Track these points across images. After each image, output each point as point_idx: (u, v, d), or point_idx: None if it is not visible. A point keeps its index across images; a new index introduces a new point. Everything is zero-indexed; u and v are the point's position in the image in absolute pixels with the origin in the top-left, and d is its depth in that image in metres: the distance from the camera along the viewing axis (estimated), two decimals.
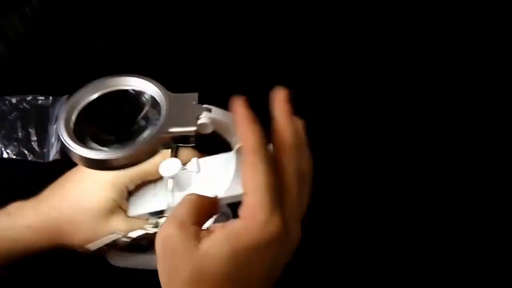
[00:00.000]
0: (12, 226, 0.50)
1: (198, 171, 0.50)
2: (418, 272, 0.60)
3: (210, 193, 0.39)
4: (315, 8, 0.80)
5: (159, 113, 0.44)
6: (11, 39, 0.77)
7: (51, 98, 0.71)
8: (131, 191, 0.52)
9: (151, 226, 0.51)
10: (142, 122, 0.45)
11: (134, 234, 0.51)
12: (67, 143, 0.42)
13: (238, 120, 0.37)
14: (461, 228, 0.62)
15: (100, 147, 0.43)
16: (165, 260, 0.34)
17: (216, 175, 0.51)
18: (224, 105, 0.42)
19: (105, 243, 0.50)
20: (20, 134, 0.69)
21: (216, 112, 0.43)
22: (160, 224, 0.51)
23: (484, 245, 0.61)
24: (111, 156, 0.40)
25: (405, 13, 0.79)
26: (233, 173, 0.47)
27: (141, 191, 0.52)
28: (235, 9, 0.80)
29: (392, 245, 0.61)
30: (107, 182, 0.50)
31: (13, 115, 0.70)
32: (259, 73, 0.74)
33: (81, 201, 0.49)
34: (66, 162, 0.65)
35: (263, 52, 0.76)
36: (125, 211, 0.51)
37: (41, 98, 0.71)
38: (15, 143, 0.68)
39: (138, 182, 0.52)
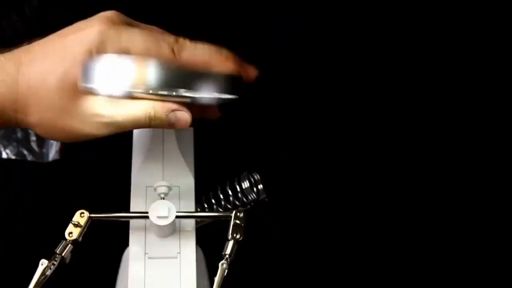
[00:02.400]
0: None
1: None
2: (418, 272, 0.60)
3: None
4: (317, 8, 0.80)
5: None
6: (10, 39, 0.77)
7: None
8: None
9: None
10: None
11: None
12: None
13: None
14: (461, 228, 0.62)
15: None
16: None
17: None
18: None
19: None
20: (19, 134, 0.69)
21: None
22: None
23: (484, 245, 0.61)
24: None
25: (406, 13, 0.79)
26: None
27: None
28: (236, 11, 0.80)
29: (392, 245, 0.61)
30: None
31: None
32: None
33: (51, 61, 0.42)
34: (65, 162, 0.65)
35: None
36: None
37: None
38: (14, 143, 0.68)
39: None
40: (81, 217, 0.42)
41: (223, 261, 0.40)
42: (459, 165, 0.66)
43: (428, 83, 0.72)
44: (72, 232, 0.42)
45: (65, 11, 0.80)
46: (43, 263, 0.41)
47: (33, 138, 0.68)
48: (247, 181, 0.49)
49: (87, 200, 0.58)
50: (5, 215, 0.59)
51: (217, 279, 0.39)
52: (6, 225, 0.60)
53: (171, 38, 0.43)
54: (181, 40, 0.43)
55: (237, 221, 0.40)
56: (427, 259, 0.60)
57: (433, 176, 0.65)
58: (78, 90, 0.40)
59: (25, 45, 0.44)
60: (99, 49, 0.40)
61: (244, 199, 0.48)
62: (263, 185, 0.49)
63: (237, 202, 0.48)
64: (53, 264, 0.41)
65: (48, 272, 0.41)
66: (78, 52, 0.40)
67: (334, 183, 0.65)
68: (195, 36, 0.76)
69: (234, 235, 0.40)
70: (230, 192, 0.49)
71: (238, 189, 0.49)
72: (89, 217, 0.42)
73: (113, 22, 0.43)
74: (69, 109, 0.40)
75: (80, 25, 0.43)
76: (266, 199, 0.49)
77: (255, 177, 0.49)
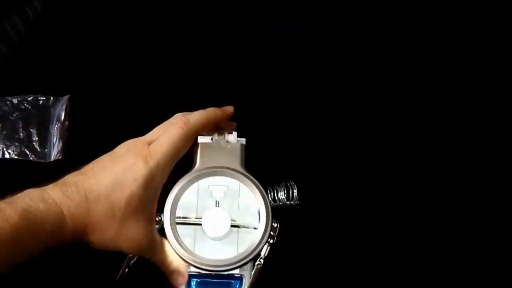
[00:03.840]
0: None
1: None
2: (418, 272, 0.60)
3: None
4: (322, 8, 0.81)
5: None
6: (12, 40, 0.77)
7: (52, 98, 0.71)
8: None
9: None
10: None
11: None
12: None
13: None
14: (462, 228, 0.62)
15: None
16: None
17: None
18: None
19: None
20: (21, 134, 0.69)
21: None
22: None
23: (484, 245, 0.61)
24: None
25: (405, 13, 0.79)
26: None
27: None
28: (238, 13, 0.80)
29: (394, 244, 0.61)
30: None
31: (14, 115, 0.70)
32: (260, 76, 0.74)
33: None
34: (67, 162, 0.65)
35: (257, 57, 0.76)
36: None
37: (42, 98, 0.71)
38: (16, 144, 0.68)
39: None
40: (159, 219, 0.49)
41: (258, 261, 0.48)
42: (459, 165, 0.66)
43: (428, 82, 0.72)
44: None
45: (66, 11, 0.80)
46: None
47: (35, 138, 0.68)
48: (284, 189, 0.60)
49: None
50: None
51: (252, 274, 0.48)
52: None
53: (179, 115, 0.50)
54: (186, 113, 0.50)
55: (271, 233, 0.48)
56: (430, 261, 0.60)
57: (435, 175, 0.65)
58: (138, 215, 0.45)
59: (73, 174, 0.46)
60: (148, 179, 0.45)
61: (280, 203, 0.60)
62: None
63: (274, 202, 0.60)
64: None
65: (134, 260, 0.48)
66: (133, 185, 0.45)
67: (335, 183, 0.65)
68: (195, 36, 0.77)
69: (270, 240, 0.48)
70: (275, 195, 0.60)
71: (280, 195, 0.60)
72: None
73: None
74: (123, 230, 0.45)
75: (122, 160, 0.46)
76: (298, 202, 0.60)
77: (291, 185, 0.60)
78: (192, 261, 0.47)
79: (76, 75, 0.73)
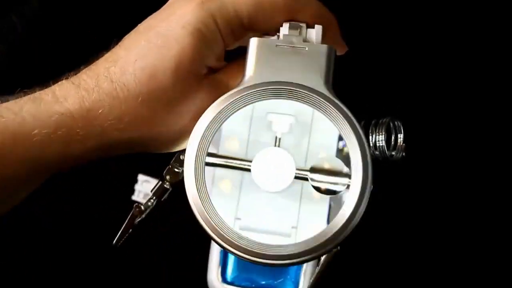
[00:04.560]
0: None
1: None
2: (418, 272, 0.60)
3: None
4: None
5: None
6: (10, 40, 0.77)
7: None
8: None
9: None
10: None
11: None
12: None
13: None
14: (462, 228, 0.62)
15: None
16: None
17: None
18: None
19: None
20: None
21: None
22: None
23: (484, 245, 0.61)
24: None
25: (406, 13, 0.79)
26: None
27: None
28: None
29: (396, 244, 0.61)
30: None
31: None
32: None
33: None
34: None
35: None
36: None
37: None
38: None
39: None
40: (182, 158, 0.34)
41: None
42: (460, 165, 0.66)
43: (428, 82, 0.72)
44: (171, 175, 0.35)
45: (65, 11, 0.79)
46: (138, 207, 0.36)
47: None
48: (383, 131, 0.38)
49: (88, 195, 0.59)
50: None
51: (322, 261, 0.32)
52: (6, 224, 0.60)
53: None
54: None
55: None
56: (427, 259, 0.60)
57: (438, 175, 0.65)
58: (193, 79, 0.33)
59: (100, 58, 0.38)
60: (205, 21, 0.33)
61: (377, 152, 0.38)
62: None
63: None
64: (147, 208, 0.36)
65: (139, 218, 0.36)
66: (182, 35, 0.33)
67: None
68: None
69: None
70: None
71: (378, 140, 0.38)
72: None
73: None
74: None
75: (166, 11, 0.36)
76: (404, 155, 0.38)
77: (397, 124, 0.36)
78: (225, 241, 0.29)
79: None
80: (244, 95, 0.31)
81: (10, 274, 0.61)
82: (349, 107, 0.32)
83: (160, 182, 0.36)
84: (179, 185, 0.35)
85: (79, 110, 0.33)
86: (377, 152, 0.39)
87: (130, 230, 0.36)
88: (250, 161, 0.31)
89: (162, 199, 0.36)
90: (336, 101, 0.32)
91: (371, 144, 0.39)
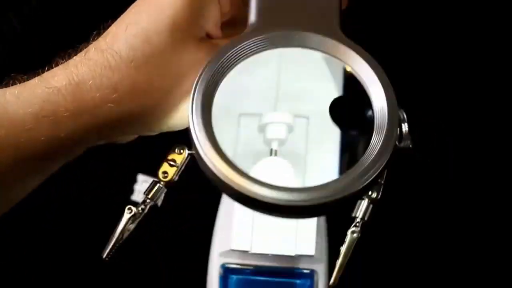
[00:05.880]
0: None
1: None
2: (418, 272, 0.59)
3: None
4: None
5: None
6: (9, 39, 0.77)
7: None
8: None
9: None
10: None
11: None
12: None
13: None
14: (463, 228, 0.62)
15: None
16: None
17: None
18: None
19: None
20: None
21: None
22: None
23: (485, 245, 0.61)
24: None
25: (406, 12, 0.79)
26: None
27: None
28: None
29: (397, 244, 0.61)
30: None
31: None
32: None
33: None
34: (65, 164, 0.64)
35: None
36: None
37: None
38: None
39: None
40: (178, 154, 0.32)
41: (353, 227, 0.30)
42: (462, 165, 0.66)
43: (428, 82, 0.72)
44: (167, 172, 0.33)
45: (64, 11, 0.79)
46: (131, 210, 0.33)
47: None
48: None
49: (88, 195, 0.58)
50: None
51: (343, 250, 0.29)
52: (6, 223, 0.60)
53: None
54: None
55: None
56: (427, 259, 0.60)
57: (439, 175, 0.65)
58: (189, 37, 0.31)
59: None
60: None
61: None
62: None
63: None
64: (142, 210, 0.33)
65: (135, 222, 0.33)
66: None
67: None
68: None
69: (370, 193, 0.29)
70: None
71: None
72: (189, 155, 0.32)
73: None
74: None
75: None
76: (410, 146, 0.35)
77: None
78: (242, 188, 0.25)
79: None
80: (252, 40, 0.27)
81: (10, 274, 0.61)
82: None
83: (154, 182, 0.34)
84: (174, 185, 0.34)
85: (68, 86, 0.31)
86: None
87: (121, 241, 0.34)
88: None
89: (157, 202, 0.34)
90: (354, 44, 0.27)
91: None
